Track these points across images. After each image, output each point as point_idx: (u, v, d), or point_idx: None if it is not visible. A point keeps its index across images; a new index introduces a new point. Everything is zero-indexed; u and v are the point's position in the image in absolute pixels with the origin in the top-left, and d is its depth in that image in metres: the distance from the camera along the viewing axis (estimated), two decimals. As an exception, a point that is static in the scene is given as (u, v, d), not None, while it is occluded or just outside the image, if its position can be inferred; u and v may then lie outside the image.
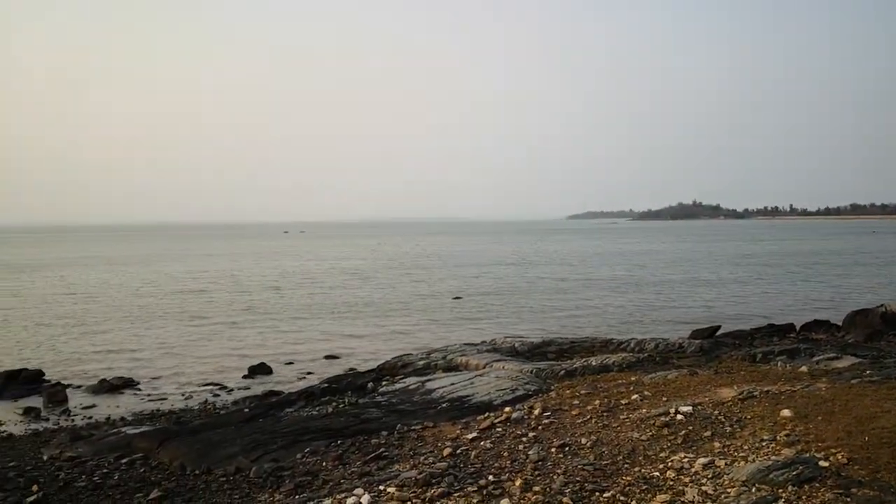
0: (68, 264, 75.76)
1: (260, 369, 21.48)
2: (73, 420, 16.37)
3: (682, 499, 6.67)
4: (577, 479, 7.44)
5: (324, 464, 10.10)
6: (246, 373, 21.22)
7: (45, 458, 12.31)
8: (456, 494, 7.28)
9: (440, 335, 27.70)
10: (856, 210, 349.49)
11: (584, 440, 9.00)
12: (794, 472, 6.86)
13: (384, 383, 16.84)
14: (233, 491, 9.58)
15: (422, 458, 9.42)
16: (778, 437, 8.05)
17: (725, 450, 7.97)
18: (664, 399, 10.87)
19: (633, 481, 7.26)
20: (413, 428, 11.40)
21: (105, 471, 11.10)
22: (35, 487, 10.40)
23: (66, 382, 19.96)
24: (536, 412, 10.91)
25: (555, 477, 7.58)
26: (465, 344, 21.34)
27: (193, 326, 30.79)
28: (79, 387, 19.72)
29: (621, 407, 10.66)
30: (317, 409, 14.53)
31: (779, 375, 12.55)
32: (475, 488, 7.40)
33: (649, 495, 6.83)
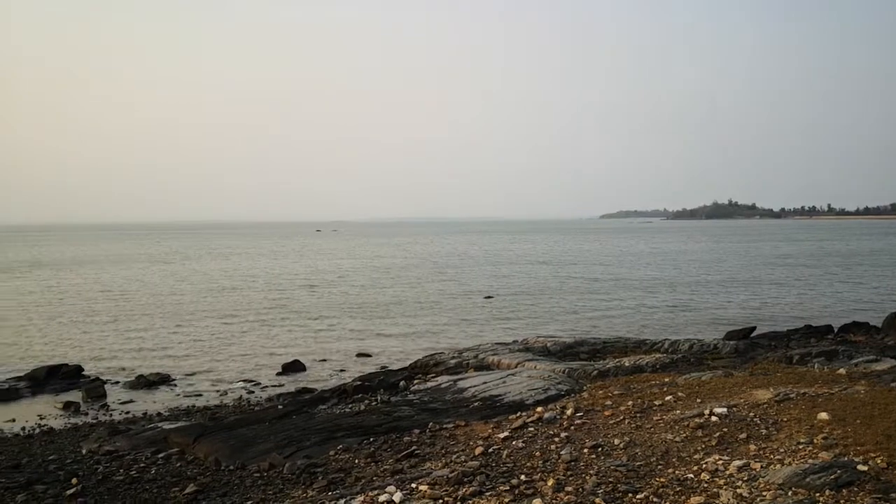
0: (103, 262, 77.35)
1: (293, 366, 21.72)
2: (111, 415, 16.72)
3: (717, 501, 6.58)
4: (610, 479, 7.38)
5: (356, 461, 10.17)
6: (279, 370, 21.46)
7: (84, 451, 12.59)
8: (488, 494, 7.28)
9: (471, 334, 27.71)
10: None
11: (616, 441, 8.93)
12: (832, 477, 6.73)
13: (416, 382, 16.90)
14: (267, 487, 9.69)
15: (453, 456, 9.44)
16: (815, 441, 7.91)
17: (761, 452, 7.84)
18: (698, 400, 10.73)
19: (666, 483, 7.18)
20: (445, 426, 11.42)
21: (142, 465, 11.33)
22: (75, 480, 10.65)
23: (104, 378, 20.40)
24: (569, 412, 10.86)
25: (587, 477, 7.53)
26: (497, 343, 21.32)
27: (227, 324, 31.22)
28: (116, 382, 20.14)
29: (654, 408, 10.55)
30: (349, 406, 14.64)
31: (816, 377, 12.31)
32: (507, 488, 7.39)
33: (683, 497, 6.76)
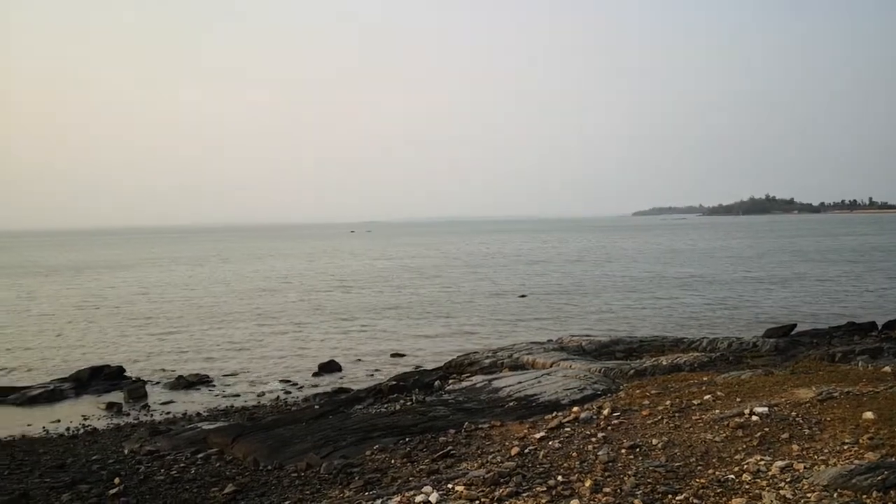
0: (141, 265, 78.87)
1: (329, 367, 21.89)
2: (152, 415, 17.03)
3: (759, 503, 6.45)
4: (649, 480, 7.28)
5: (392, 461, 10.20)
6: (316, 370, 21.65)
7: (126, 451, 12.84)
8: (524, 494, 7.23)
9: (506, 334, 27.63)
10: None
11: (655, 441, 8.81)
12: (879, 477, 6.54)
13: (451, 381, 16.90)
14: (304, 486, 9.77)
15: (489, 456, 9.40)
16: (861, 441, 7.70)
17: (804, 453, 7.67)
18: (738, 400, 10.54)
19: (706, 484, 7.06)
20: (480, 426, 11.40)
21: (182, 465, 11.51)
22: (117, 480, 10.87)
23: (145, 379, 20.79)
24: (605, 412, 10.75)
25: (625, 478, 7.44)
26: (532, 342, 21.22)
27: (264, 325, 31.59)
28: (157, 383, 20.51)
29: (693, 407, 10.39)
30: (385, 406, 14.71)
31: (860, 376, 12.00)
32: (544, 488, 7.34)
33: (724, 498, 6.64)
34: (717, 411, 9.87)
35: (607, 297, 39.47)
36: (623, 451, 8.54)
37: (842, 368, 13.82)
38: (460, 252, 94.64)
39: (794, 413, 9.20)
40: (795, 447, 7.88)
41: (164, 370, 22.41)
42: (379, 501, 7.70)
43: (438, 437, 11.18)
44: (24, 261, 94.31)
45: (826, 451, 7.63)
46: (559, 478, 7.70)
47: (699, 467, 7.66)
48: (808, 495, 6.44)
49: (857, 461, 7.07)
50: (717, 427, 9.04)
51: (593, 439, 9.37)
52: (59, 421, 16.51)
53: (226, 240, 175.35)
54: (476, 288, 45.90)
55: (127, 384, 19.85)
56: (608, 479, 7.48)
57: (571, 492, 7.19)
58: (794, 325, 23.82)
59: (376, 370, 21.82)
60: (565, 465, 8.31)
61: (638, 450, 8.55)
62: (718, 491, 6.84)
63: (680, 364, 16.16)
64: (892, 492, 6.34)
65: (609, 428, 9.91)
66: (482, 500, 7.17)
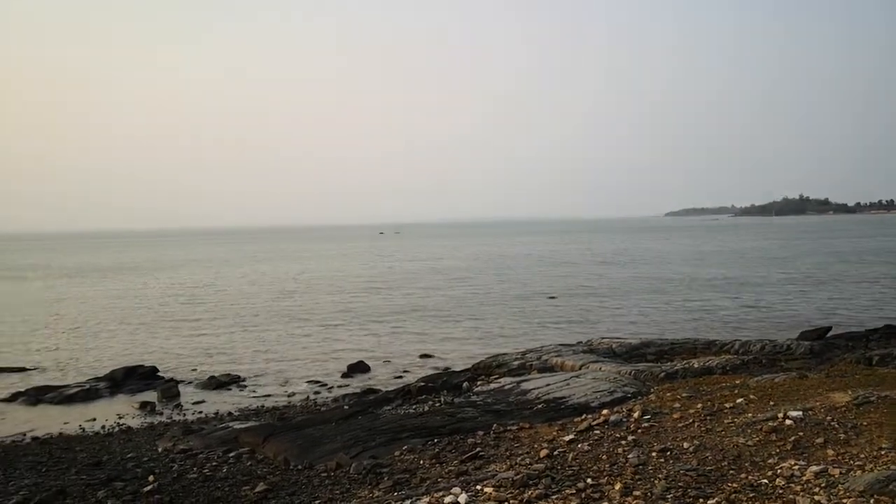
0: (176, 266, 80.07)
1: (358, 367, 22.02)
2: (184, 414, 17.28)
3: (793, 508, 6.35)
4: (680, 484, 7.20)
5: (421, 462, 10.22)
6: (345, 371, 21.79)
7: (159, 449, 13.06)
8: (554, 497, 7.20)
9: (534, 335, 27.54)
10: None
11: (686, 444, 8.71)
12: (919, 484, 6.39)
13: (479, 383, 16.88)
14: (334, 486, 9.84)
15: (518, 458, 9.38)
16: (899, 446, 7.54)
17: (840, 458, 7.52)
18: (771, 403, 10.38)
19: (739, 488, 6.96)
20: (509, 428, 11.37)
21: (214, 463, 11.67)
22: (151, 478, 11.05)
23: (178, 378, 21.11)
24: (636, 415, 10.65)
25: (656, 482, 7.37)
26: (561, 344, 21.11)
27: (294, 326, 31.89)
28: (189, 383, 20.81)
29: (725, 411, 10.26)
30: (413, 407, 14.73)
31: (899, 380, 11.73)
32: (573, 491, 7.29)
33: (757, 503, 6.54)
34: (750, 415, 9.73)
35: (637, 298, 39.11)
36: (654, 454, 8.46)
37: (879, 372, 13.51)
38: (489, 253, 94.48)
39: (829, 417, 9.03)
40: (831, 452, 7.74)
41: (196, 370, 22.73)
42: (408, 502, 7.72)
43: (467, 438, 11.18)
44: (64, 262, 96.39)
45: (862, 456, 7.48)
46: (589, 480, 7.65)
47: (731, 471, 7.55)
48: (844, 501, 6.32)
49: (894, 467, 6.91)
50: (749, 431, 8.91)
51: (623, 442, 9.29)
52: (94, 419, 16.84)
53: (254, 242, 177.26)
54: (504, 289, 45.79)
55: (160, 384, 20.18)
56: (638, 483, 7.42)
57: (601, 495, 7.14)
58: (830, 328, 23.36)
59: (405, 371, 21.90)
60: (595, 467, 8.26)
61: (669, 453, 8.46)
62: (751, 495, 6.74)
63: (711, 367, 15.95)
64: (931, 498, 6.19)
65: (639, 431, 9.82)
66: (511, 501, 7.15)
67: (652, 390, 13.46)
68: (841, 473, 6.98)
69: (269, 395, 19.13)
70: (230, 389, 20.04)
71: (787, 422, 8.93)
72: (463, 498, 7.32)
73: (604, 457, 8.66)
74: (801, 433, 8.51)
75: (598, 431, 10.09)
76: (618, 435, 9.72)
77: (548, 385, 14.43)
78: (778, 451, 8.04)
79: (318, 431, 12.41)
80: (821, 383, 11.65)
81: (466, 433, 11.45)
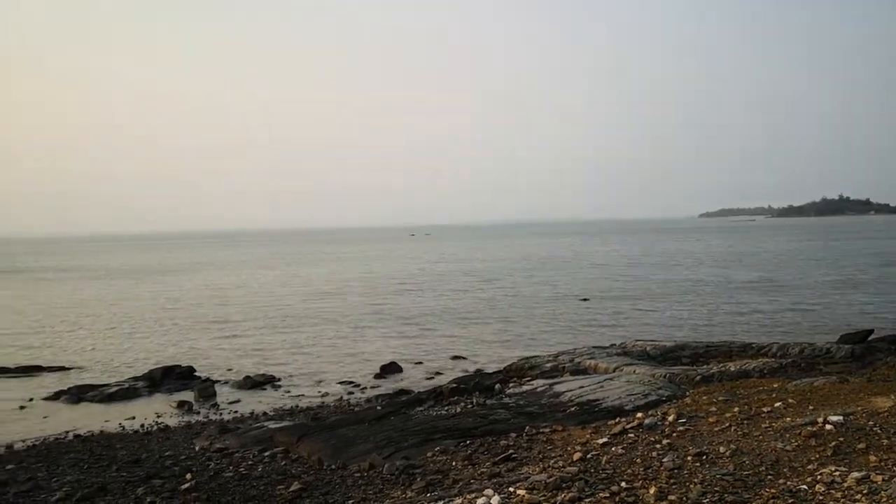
0: (211, 268, 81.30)
1: (390, 368, 22.13)
2: (220, 413, 17.54)
3: (834, 515, 6.22)
4: (716, 489, 7.10)
5: (453, 463, 10.24)
6: (377, 372, 21.92)
7: (196, 448, 13.28)
8: (587, 500, 7.15)
9: (567, 338, 27.38)
10: None
11: (722, 449, 8.58)
12: (966, 492, 6.22)
13: (511, 385, 16.85)
14: (367, 486, 9.90)
15: (551, 461, 9.33)
16: (945, 453, 7.34)
17: (883, 464, 7.34)
18: (810, 407, 10.18)
19: (777, 494, 6.84)
20: (542, 430, 11.33)
21: (250, 462, 11.83)
22: (189, 476, 11.24)
23: (214, 378, 21.44)
24: (671, 418, 10.53)
25: (691, 486, 7.27)
26: (594, 347, 20.96)
27: (326, 327, 32.16)
28: (226, 382, 21.12)
29: (763, 415, 10.08)
30: (445, 408, 14.76)
31: (944, 385, 11.43)
32: (607, 494, 7.24)
33: (796, 509, 6.42)
34: (789, 419, 9.55)
35: (672, 300, 38.66)
36: (689, 458, 8.35)
37: (923, 376, 13.18)
38: (519, 255, 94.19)
39: (871, 422, 8.82)
40: (873, 458, 7.56)
41: (231, 370, 23.06)
42: (441, 503, 7.74)
43: (499, 440, 11.16)
44: (103, 264, 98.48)
45: (906, 462, 7.30)
46: (623, 484, 7.59)
47: (769, 477, 7.43)
48: (887, 508, 6.17)
49: (940, 474, 6.73)
50: (788, 435, 8.75)
51: (658, 446, 9.19)
52: (133, 418, 17.18)
53: (286, 243, 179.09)
54: (536, 291, 45.62)
55: (197, 384, 20.51)
56: (673, 487, 7.33)
57: (635, 498, 7.07)
58: (871, 331, 22.81)
59: (437, 373, 21.94)
60: (629, 471, 8.19)
61: (704, 457, 8.35)
62: (790, 501, 6.62)
63: (749, 370, 15.71)
64: (978, 507, 6.02)
65: (674, 434, 9.71)
66: (544, 504, 7.12)
67: (687, 393, 13.30)
68: (884, 480, 6.82)
69: (302, 396, 19.33)
70: (265, 389, 20.29)
71: (828, 427, 8.75)
72: (496, 500, 7.31)
73: (638, 460, 8.58)
74: (841, 438, 8.33)
75: (632, 435, 10.00)
76: (652, 438, 9.62)
77: (581, 387, 14.34)
78: (818, 456, 7.88)
79: (351, 432, 12.50)
80: (862, 387, 11.40)
81: (499, 435, 11.44)
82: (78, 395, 19.55)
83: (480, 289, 48.57)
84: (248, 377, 21.17)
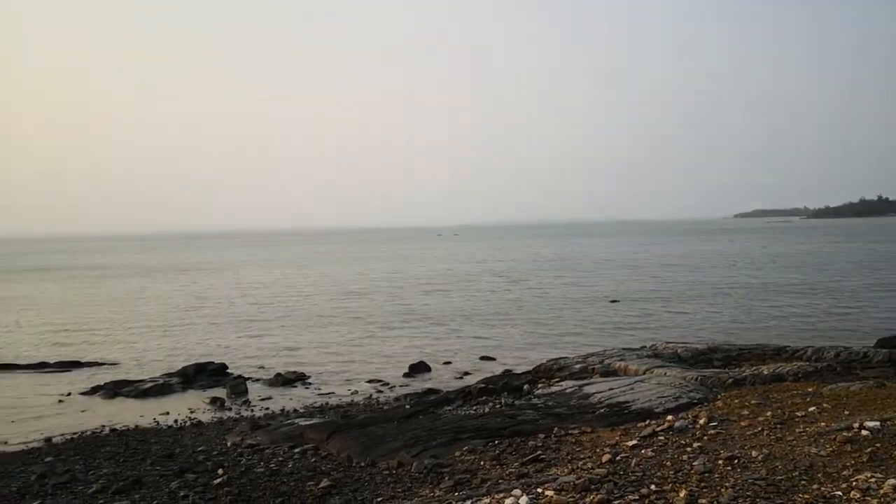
0: (243, 266, 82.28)
1: (419, 368, 22.20)
2: (252, 410, 17.77)
3: (869, 522, 6.11)
4: (748, 493, 7.01)
5: (481, 463, 10.25)
6: (406, 371, 22.01)
7: (228, 444, 13.48)
8: (616, 502, 7.11)
9: (596, 339, 27.20)
10: None
11: (754, 453, 8.47)
12: None
13: (539, 386, 16.80)
14: (395, 484, 9.96)
15: (580, 462, 9.30)
16: None
17: (921, 471, 7.19)
18: (846, 412, 9.99)
19: (811, 500, 6.74)
20: (570, 432, 11.29)
21: (280, 458, 11.97)
22: (221, 471, 11.42)
23: (246, 375, 21.70)
24: (702, 421, 10.42)
25: (723, 490, 7.20)
26: (624, 348, 20.81)
27: (356, 326, 32.37)
28: (257, 380, 21.38)
29: (797, 419, 9.92)
30: (473, 408, 14.77)
31: None
32: (636, 497, 7.19)
33: (830, 516, 6.33)
34: (823, 424, 9.39)
35: (704, 302, 38.17)
36: (720, 461, 8.26)
37: (964, 383, 12.86)
38: (548, 255, 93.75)
39: (908, 429, 8.64)
40: (910, 465, 7.41)
41: (263, 367, 23.33)
42: (469, 502, 7.76)
43: (527, 440, 11.15)
44: (133, 262, 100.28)
45: (945, 470, 7.13)
46: (652, 487, 7.53)
47: (803, 482, 7.32)
48: (925, 516, 6.05)
49: (980, 482, 6.58)
50: (822, 441, 8.61)
51: (688, 449, 9.11)
52: (167, 413, 17.49)
53: (314, 243, 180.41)
54: (565, 292, 45.37)
55: (229, 380, 20.80)
56: (704, 491, 7.26)
57: (665, 501, 7.02)
58: (910, 336, 22.31)
59: (465, 373, 21.96)
60: (659, 474, 8.12)
61: (736, 461, 8.25)
62: (824, 508, 6.52)
63: (782, 374, 15.45)
64: None
65: (705, 438, 9.61)
66: (572, 505, 7.10)
67: (719, 396, 13.14)
68: (921, 487, 6.68)
69: (332, 393, 19.48)
70: (295, 387, 20.50)
71: (864, 432, 8.59)
72: (524, 500, 7.30)
73: (668, 463, 8.51)
74: (878, 444, 8.17)
75: (662, 437, 9.92)
76: (683, 441, 9.53)
77: (611, 389, 14.25)
78: (853, 462, 7.75)
79: (380, 430, 12.58)
80: (900, 393, 11.16)
81: (527, 435, 11.42)
82: (114, 390, 19.97)
83: (508, 289, 48.45)
84: (278, 375, 21.41)
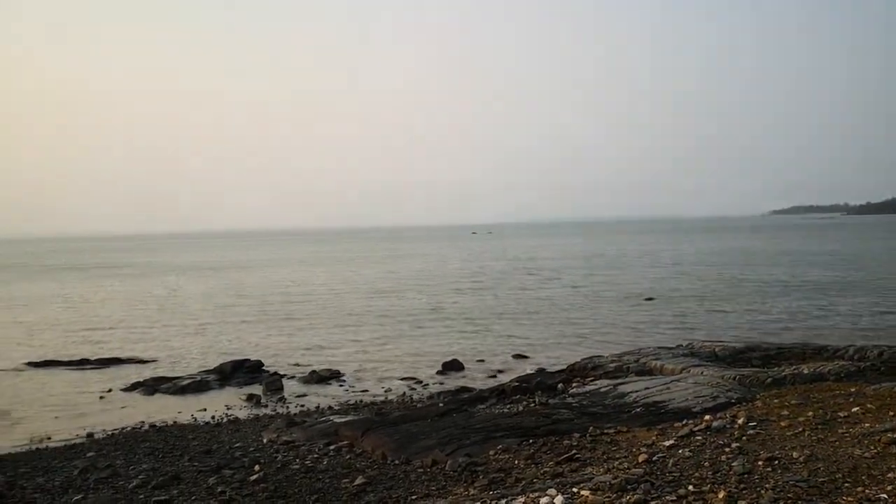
0: (278, 265, 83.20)
1: (452, 366, 22.22)
2: (287, 407, 17.96)
3: (916, 526, 5.94)
4: (789, 495, 6.87)
5: (516, 461, 10.21)
6: (439, 369, 22.04)
7: (264, 440, 13.64)
8: (653, 503, 7.03)
9: (631, 338, 26.93)
10: None
11: (795, 454, 8.30)
12: None
13: (574, 385, 16.68)
14: (430, 482, 9.97)
15: (616, 462, 9.21)
16: None
17: (970, 474, 6.98)
18: (891, 414, 9.73)
19: (854, 502, 6.58)
20: (606, 431, 11.18)
21: (316, 455, 12.07)
22: (257, 467, 11.57)
23: (281, 373, 21.95)
24: (740, 421, 10.24)
25: (763, 492, 7.06)
26: (660, 347, 20.55)
27: (389, 324, 32.50)
28: (292, 377, 21.60)
29: (839, 420, 9.70)
30: (507, 406, 14.73)
31: None
32: (674, 498, 7.09)
33: (875, 519, 6.17)
34: (867, 425, 9.16)
35: (742, 301, 37.52)
36: (760, 462, 8.11)
37: None
38: (581, 253, 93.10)
39: (957, 430, 8.39)
40: (959, 468, 7.20)
41: (298, 365, 23.56)
42: (503, 501, 7.73)
43: (562, 439, 11.07)
44: (170, 261, 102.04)
45: None
46: (690, 487, 7.43)
47: (846, 484, 7.15)
48: (975, 521, 5.87)
49: None
50: (866, 442, 8.40)
51: (727, 449, 8.96)
52: (205, 410, 17.76)
53: (346, 242, 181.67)
54: (598, 291, 45.01)
55: (265, 377, 21.05)
56: (743, 492, 7.14)
57: (704, 503, 6.92)
58: (958, 335, 21.67)
59: (498, 371, 21.92)
60: (697, 474, 8.01)
61: (776, 462, 8.09)
62: (869, 511, 6.37)
63: (823, 373, 15.11)
64: None
65: (744, 438, 9.45)
66: (608, 505, 7.03)
67: (757, 396, 12.90)
68: (971, 491, 6.49)
69: (366, 391, 19.60)
70: (330, 384, 20.67)
71: (910, 434, 8.36)
72: (559, 500, 7.26)
73: (706, 464, 8.39)
74: (924, 446, 7.95)
75: (699, 437, 9.78)
76: (721, 441, 9.38)
77: (647, 388, 14.09)
78: (899, 464, 7.55)
79: (414, 427, 12.61)
80: (947, 394, 10.84)
81: (562, 435, 11.34)
82: (153, 386, 20.35)
83: (541, 287, 48.24)
84: (313, 372, 21.60)
